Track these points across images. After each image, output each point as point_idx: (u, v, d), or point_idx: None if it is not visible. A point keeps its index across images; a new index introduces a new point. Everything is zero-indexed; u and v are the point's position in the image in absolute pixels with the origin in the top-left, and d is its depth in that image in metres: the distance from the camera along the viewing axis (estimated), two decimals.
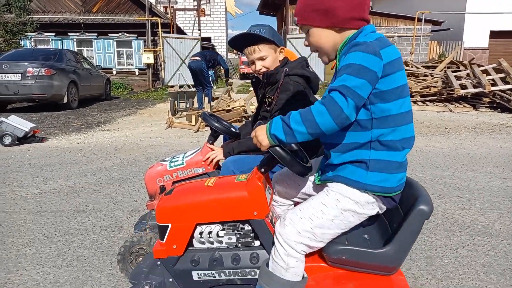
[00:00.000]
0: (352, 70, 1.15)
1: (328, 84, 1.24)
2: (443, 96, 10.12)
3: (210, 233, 1.47)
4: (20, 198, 3.58)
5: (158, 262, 1.51)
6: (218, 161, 2.23)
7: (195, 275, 1.48)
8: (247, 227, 1.46)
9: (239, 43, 2.15)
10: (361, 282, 1.33)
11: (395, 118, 1.23)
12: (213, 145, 2.30)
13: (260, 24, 2.14)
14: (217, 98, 9.03)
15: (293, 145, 1.45)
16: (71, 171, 4.56)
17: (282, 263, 1.28)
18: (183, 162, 2.24)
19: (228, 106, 8.33)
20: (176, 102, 9.61)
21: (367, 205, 1.29)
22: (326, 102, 1.15)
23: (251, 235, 1.46)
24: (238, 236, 1.46)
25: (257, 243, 1.47)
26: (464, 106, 9.67)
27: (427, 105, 9.93)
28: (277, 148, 1.29)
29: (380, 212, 1.35)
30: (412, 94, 10.44)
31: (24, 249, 2.55)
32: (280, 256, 1.28)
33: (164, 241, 1.48)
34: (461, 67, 11.09)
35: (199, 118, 7.89)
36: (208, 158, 2.21)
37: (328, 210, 1.29)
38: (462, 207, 3.26)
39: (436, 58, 14.99)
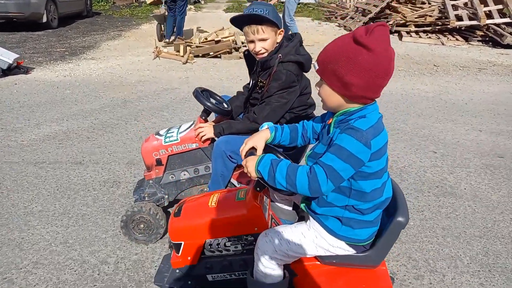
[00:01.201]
0: (342, 155, 1.27)
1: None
2: (437, 27, 9.92)
3: (218, 244, 1.70)
4: (16, 146, 3.70)
5: (177, 271, 1.77)
6: (209, 138, 2.35)
7: (209, 277, 1.76)
8: (250, 237, 1.68)
9: (241, 20, 2.14)
10: (350, 276, 1.58)
11: (368, 194, 1.39)
12: (206, 121, 2.39)
13: (263, 3, 2.12)
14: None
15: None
16: (62, 112, 4.61)
17: (261, 272, 1.52)
18: (177, 138, 2.36)
19: (217, 36, 8.08)
20: (162, 26, 9.23)
21: (339, 249, 1.50)
22: (311, 176, 1.29)
23: (254, 243, 1.67)
24: (243, 245, 1.70)
25: None
26: (457, 39, 9.56)
27: (420, 36, 9.77)
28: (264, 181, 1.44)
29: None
30: (407, 24, 10.19)
31: (31, 206, 2.76)
32: (259, 267, 1.52)
33: (179, 254, 1.74)
34: None
35: (188, 48, 7.72)
36: (199, 135, 2.32)
37: (306, 240, 1.50)
38: (435, 164, 3.53)
39: None
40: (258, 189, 1.60)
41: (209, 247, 1.70)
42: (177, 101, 5.15)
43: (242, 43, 7.92)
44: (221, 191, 1.86)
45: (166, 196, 2.47)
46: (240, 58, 7.67)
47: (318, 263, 1.59)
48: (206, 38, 8.11)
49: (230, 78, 6.35)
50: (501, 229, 2.64)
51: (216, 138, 2.29)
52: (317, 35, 10.28)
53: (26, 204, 2.78)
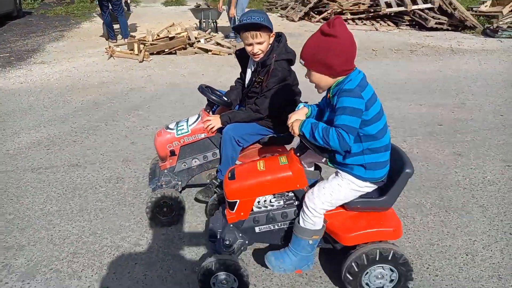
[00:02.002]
0: (347, 112, 1.76)
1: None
2: (370, 14, 10.85)
3: (265, 201, 2.15)
4: (3, 155, 3.75)
5: (231, 226, 2.17)
6: (216, 128, 2.71)
7: (257, 229, 2.19)
8: (291, 193, 2.14)
9: (240, 27, 2.52)
10: (369, 217, 2.08)
11: (375, 135, 1.89)
12: (210, 113, 2.75)
13: (258, 11, 2.51)
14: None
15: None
16: (36, 119, 4.63)
17: (311, 222, 1.99)
18: (188, 130, 2.71)
19: (169, 32, 8.22)
20: None
21: (366, 188, 2.02)
22: (340, 137, 1.76)
23: (293, 198, 2.16)
24: (284, 200, 2.15)
25: (296, 203, 2.15)
26: (388, 25, 10.57)
27: (356, 23, 10.64)
28: (304, 137, 1.93)
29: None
30: (343, 12, 11.02)
31: (46, 207, 2.94)
32: (309, 218, 1.98)
33: (234, 211, 2.14)
34: None
35: (141, 46, 7.79)
36: (208, 126, 2.68)
37: (342, 189, 1.99)
38: (390, 135, 4.18)
39: None
40: (298, 154, 2.06)
41: (257, 203, 2.13)
42: (148, 100, 5.35)
43: (196, 38, 8.15)
44: (264, 159, 2.26)
45: (180, 183, 2.81)
46: (196, 53, 7.93)
47: (344, 210, 2.08)
48: (158, 35, 8.22)
49: (192, 73, 6.61)
50: (449, 180, 3.33)
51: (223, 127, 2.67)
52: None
53: (40, 206, 2.95)
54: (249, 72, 2.76)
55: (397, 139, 4.09)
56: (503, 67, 6.80)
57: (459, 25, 9.99)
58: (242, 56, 2.78)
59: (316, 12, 11.52)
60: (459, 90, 5.64)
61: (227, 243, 2.12)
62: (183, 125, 2.75)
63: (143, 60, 7.40)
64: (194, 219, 2.81)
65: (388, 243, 2.06)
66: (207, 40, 8.34)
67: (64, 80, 6.25)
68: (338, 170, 2.03)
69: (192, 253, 2.49)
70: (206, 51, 7.98)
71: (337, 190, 1.99)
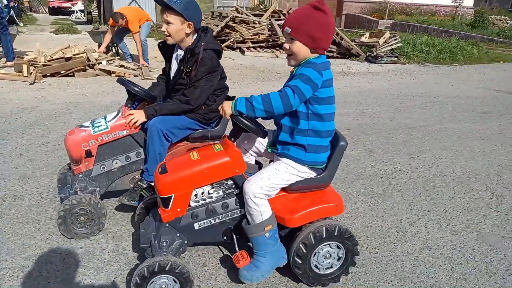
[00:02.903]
0: (303, 79, 1.76)
1: None
2: (270, 43, 11.53)
3: (202, 193, 1.94)
4: None
5: (167, 225, 1.92)
6: (140, 123, 2.46)
7: (196, 225, 1.96)
8: (230, 182, 1.97)
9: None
10: (311, 197, 2.02)
11: (323, 116, 1.88)
12: (131, 109, 2.50)
13: None
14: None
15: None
16: None
17: (256, 211, 1.86)
18: (107, 127, 2.40)
19: (64, 53, 7.56)
20: None
21: (305, 173, 1.97)
22: (282, 94, 1.75)
23: (233, 186, 1.99)
24: (224, 189, 1.98)
25: (236, 191, 1.99)
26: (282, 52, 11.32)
27: (258, 51, 11.18)
28: (238, 116, 1.82)
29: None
30: (245, 41, 11.52)
31: None
32: (253, 208, 1.85)
33: (169, 208, 1.89)
34: (282, 16, 12.67)
35: (32, 68, 6.99)
36: (131, 121, 2.41)
37: (280, 173, 1.92)
38: None
39: (260, 6, 16.44)
40: (232, 139, 1.93)
41: (194, 197, 1.92)
42: (45, 118, 4.73)
43: (96, 60, 7.63)
44: (196, 149, 2.07)
45: (98, 189, 2.45)
46: (97, 75, 7.39)
47: (285, 193, 2.01)
48: (51, 57, 7.49)
49: (95, 94, 6.10)
50: (368, 172, 3.53)
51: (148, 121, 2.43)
52: None
53: None
54: (174, 64, 2.60)
55: None
56: (388, 84, 7.74)
57: (346, 53, 11.19)
58: (165, 48, 2.62)
59: (219, 41, 11.82)
60: (358, 102, 6.20)
61: (164, 244, 1.88)
62: (100, 122, 2.44)
63: (34, 82, 6.61)
64: (118, 229, 2.46)
65: (331, 219, 2.04)
66: (110, 62, 7.87)
67: None
68: (278, 157, 1.99)
69: (120, 264, 2.14)
70: (109, 73, 7.50)
71: (274, 174, 1.92)
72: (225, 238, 2.03)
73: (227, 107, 1.84)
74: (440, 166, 3.75)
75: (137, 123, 2.41)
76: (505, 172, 3.67)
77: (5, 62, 7.60)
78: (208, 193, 1.95)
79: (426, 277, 2.20)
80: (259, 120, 1.93)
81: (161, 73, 2.77)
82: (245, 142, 2.16)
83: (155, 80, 2.77)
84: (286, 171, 1.93)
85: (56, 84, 6.65)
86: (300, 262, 1.95)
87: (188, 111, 2.48)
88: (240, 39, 11.52)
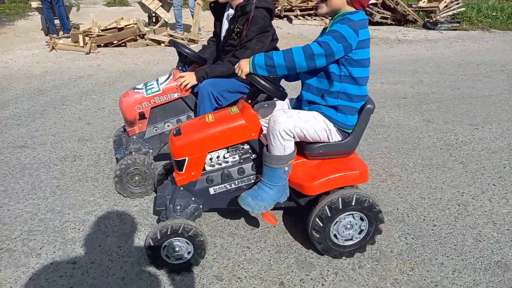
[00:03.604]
0: (336, 36, 1.60)
1: None
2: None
3: (218, 157, 1.87)
4: None
5: (181, 188, 1.87)
6: (190, 86, 2.45)
7: (211, 190, 1.90)
8: (246, 146, 1.89)
9: None
10: (333, 164, 1.90)
11: (356, 79, 1.73)
12: (181, 71, 2.48)
13: None
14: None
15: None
16: None
17: (280, 145, 1.72)
18: (159, 89, 2.41)
19: (118, 23, 7.74)
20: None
21: (334, 135, 1.83)
22: (305, 48, 1.60)
23: (250, 151, 1.91)
24: (240, 154, 1.90)
25: (253, 156, 1.91)
26: None
27: (306, 19, 10.79)
28: (254, 76, 1.69)
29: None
30: (293, 9, 11.15)
31: None
32: (277, 140, 1.71)
33: (183, 171, 1.85)
34: None
35: (87, 38, 7.25)
36: (181, 84, 2.40)
37: (316, 123, 1.79)
38: None
39: None
40: (249, 101, 1.83)
41: (209, 161, 1.86)
42: (101, 85, 4.90)
43: (147, 30, 7.74)
44: (214, 112, 2.00)
45: (151, 151, 2.49)
46: (147, 45, 7.52)
47: (305, 160, 1.90)
48: (105, 27, 7.70)
49: (146, 62, 6.23)
50: (425, 142, 3.32)
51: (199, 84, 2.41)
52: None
53: None
54: (225, 24, 2.54)
55: None
56: (449, 52, 7.17)
57: (401, 20, 10.49)
58: (216, 7, 2.55)
59: None
60: (414, 71, 5.81)
61: (178, 208, 1.83)
62: (153, 84, 2.45)
63: (89, 52, 6.86)
64: None
65: (352, 188, 1.89)
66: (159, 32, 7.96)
67: (0, 70, 5.58)
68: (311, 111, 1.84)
69: None
70: (158, 43, 7.60)
71: (312, 120, 1.78)
72: None
73: (244, 65, 1.70)
74: (508, 138, 3.44)
75: (188, 86, 2.40)
76: None
77: (63, 34, 7.93)
78: (224, 157, 1.88)
79: (490, 253, 2.04)
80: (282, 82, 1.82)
81: (212, 35, 2.72)
82: (265, 105, 2.03)
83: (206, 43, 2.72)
84: (321, 124, 1.80)
85: (109, 54, 6.86)
86: (321, 225, 1.83)
87: None
88: (287, 7, 11.17)
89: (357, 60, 1.69)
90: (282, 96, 1.82)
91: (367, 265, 1.93)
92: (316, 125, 1.79)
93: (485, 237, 2.16)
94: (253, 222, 2.20)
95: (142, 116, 2.42)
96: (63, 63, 6.09)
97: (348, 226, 1.88)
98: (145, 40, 7.58)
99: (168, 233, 1.71)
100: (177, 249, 1.77)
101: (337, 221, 1.86)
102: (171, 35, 7.96)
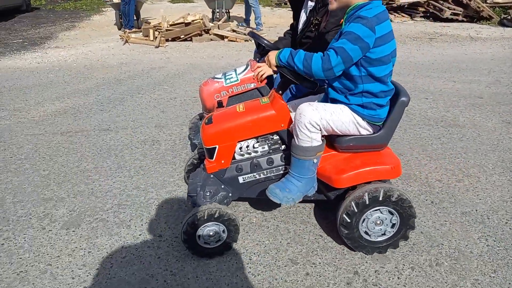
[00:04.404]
0: (350, 38, 1.55)
1: None
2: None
3: (247, 146, 1.91)
4: (28, 121, 3.56)
5: (211, 176, 1.92)
6: (266, 77, 2.52)
7: (240, 179, 1.94)
8: (276, 137, 1.91)
9: None
10: (363, 158, 1.86)
11: (378, 78, 1.68)
12: (259, 62, 2.56)
13: None
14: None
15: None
16: (58, 92, 4.45)
17: (307, 136, 1.72)
18: (237, 79, 2.51)
19: (185, 19, 8.07)
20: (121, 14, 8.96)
21: (363, 128, 1.79)
22: (324, 58, 1.58)
23: (279, 142, 1.92)
24: (269, 144, 1.92)
25: (283, 147, 1.93)
26: (402, 16, 10.44)
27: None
28: (283, 68, 1.72)
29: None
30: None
31: (82, 165, 2.74)
32: (304, 133, 1.70)
33: (213, 159, 1.90)
34: None
35: (157, 32, 7.64)
36: (258, 74, 2.48)
37: (343, 115, 1.76)
38: (431, 106, 4.01)
39: None
40: (280, 92, 1.84)
41: (239, 150, 1.89)
42: (171, 77, 5.17)
43: (211, 26, 8.00)
44: (245, 102, 2.02)
45: None
46: (211, 40, 7.77)
47: (335, 152, 1.87)
48: (173, 22, 8.06)
49: (211, 56, 6.45)
50: (505, 144, 3.13)
51: (274, 75, 2.48)
52: (275, 19, 10.61)
53: (76, 164, 2.76)
54: (303, 17, 2.57)
55: (438, 109, 3.91)
56: None
57: (474, 16, 9.86)
58: (295, 0, 2.60)
59: None
60: (490, 70, 5.47)
61: (208, 194, 1.87)
62: (231, 74, 2.55)
63: (159, 46, 7.23)
64: None
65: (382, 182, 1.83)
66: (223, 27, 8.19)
67: (82, 61, 6.08)
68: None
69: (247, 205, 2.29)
70: (222, 37, 7.82)
71: (338, 112, 1.75)
72: None
73: (271, 57, 1.73)
74: None
75: (264, 76, 2.46)
76: None
77: (129, 29, 8.37)
78: (253, 147, 1.90)
79: None
80: None
81: (289, 28, 2.77)
82: (295, 103, 2.01)
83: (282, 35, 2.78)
84: (348, 116, 1.77)
85: (176, 48, 7.19)
86: (348, 221, 1.79)
87: None
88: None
89: (376, 59, 1.64)
90: (312, 85, 1.81)
91: (445, 263, 1.89)
92: (343, 117, 1.77)
93: None
94: (324, 212, 2.23)
95: (220, 104, 2.53)
96: (135, 56, 6.49)
97: (378, 222, 1.84)
98: (210, 35, 7.83)
99: (205, 218, 1.76)
100: (211, 234, 1.81)
101: (364, 218, 1.82)
102: (234, 30, 8.16)
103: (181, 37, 7.71)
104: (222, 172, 1.92)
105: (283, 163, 1.92)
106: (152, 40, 7.44)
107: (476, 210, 2.29)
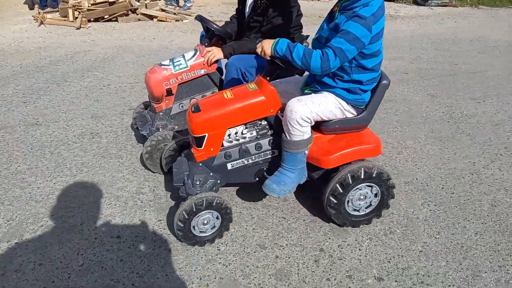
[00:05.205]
0: (349, 38, 1.62)
1: None
2: None
3: (236, 133, 1.91)
4: None
5: (200, 164, 1.89)
6: (216, 61, 2.45)
7: (229, 165, 1.94)
8: (264, 122, 1.93)
9: None
10: (347, 138, 1.96)
11: (369, 69, 1.78)
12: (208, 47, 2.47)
13: None
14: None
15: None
16: None
17: (299, 131, 1.78)
18: (187, 65, 2.40)
19: None
20: None
21: (348, 112, 1.89)
22: (323, 57, 1.63)
23: (267, 127, 1.95)
24: (257, 130, 1.93)
25: (270, 131, 1.95)
26: None
27: None
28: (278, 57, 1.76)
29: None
30: None
31: (12, 167, 2.45)
32: (296, 128, 1.77)
33: (202, 148, 1.87)
34: None
35: (77, 12, 6.99)
36: (208, 58, 2.40)
37: (329, 104, 1.84)
38: None
39: None
40: (268, 78, 1.86)
41: (227, 137, 1.89)
42: (100, 61, 4.79)
43: (138, 5, 7.52)
44: (230, 88, 2.00)
45: (176, 127, 2.51)
46: (139, 20, 7.32)
47: (321, 135, 1.95)
48: (95, 1, 7.43)
49: (141, 38, 6.08)
50: (433, 116, 3.43)
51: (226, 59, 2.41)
52: None
53: (4, 166, 2.46)
54: (249, 0, 2.52)
55: None
56: (441, 28, 7.28)
57: None
58: None
59: None
60: (411, 47, 5.90)
61: (198, 183, 1.86)
62: (180, 61, 2.43)
63: (80, 27, 6.64)
64: None
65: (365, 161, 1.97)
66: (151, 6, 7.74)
67: None
68: (321, 91, 1.89)
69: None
70: (151, 17, 7.40)
71: (324, 102, 1.83)
72: (257, 179, 2.00)
73: (267, 47, 1.75)
74: (508, 111, 3.59)
75: (214, 59, 2.39)
76: None
77: (43, 9, 7.57)
78: (242, 133, 1.91)
79: (506, 216, 2.19)
80: None
81: (234, 13, 2.70)
82: (280, 83, 2.07)
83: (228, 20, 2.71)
84: (334, 103, 1.86)
85: (101, 29, 6.66)
86: (335, 202, 1.91)
87: None
88: None
89: (369, 54, 1.73)
90: (302, 73, 1.86)
91: (397, 230, 2.05)
92: (329, 105, 1.85)
93: (500, 202, 2.31)
94: None
95: (169, 92, 2.41)
96: (55, 38, 5.90)
97: (362, 197, 1.96)
98: (137, 15, 7.37)
99: (203, 206, 1.76)
100: (205, 222, 1.82)
101: (349, 197, 1.93)
102: (163, 10, 7.76)
103: (105, 17, 7.14)
104: (210, 160, 1.90)
105: (271, 147, 1.96)
106: (72, 21, 6.80)
107: (417, 179, 2.50)
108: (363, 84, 1.83)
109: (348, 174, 1.86)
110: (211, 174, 1.91)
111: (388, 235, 2.01)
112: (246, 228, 1.99)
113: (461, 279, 1.76)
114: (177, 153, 2.24)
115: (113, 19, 7.21)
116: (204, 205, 1.77)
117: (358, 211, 1.99)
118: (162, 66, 2.42)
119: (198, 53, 2.45)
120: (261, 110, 1.87)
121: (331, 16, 1.85)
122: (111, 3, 7.16)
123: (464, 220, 2.15)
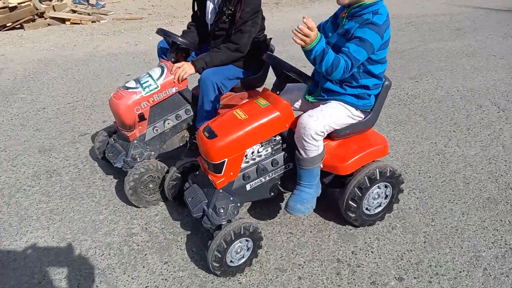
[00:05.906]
0: (365, 46, 1.65)
1: None
2: None
3: (252, 152, 1.85)
4: None
5: (221, 191, 1.81)
6: (188, 76, 2.28)
7: (248, 186, 1.89)
8: (278, 137, 1.90)
9: None
10: (357, 140, 2.01)
11: (375, 75, 1.83)
12: (174, 62, 2.29)
13: None
14: None
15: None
16: None
17: (314, 146, 1.80)
18: (157, 85, 2.20)
19: (7, 2, 6.54)
20: None
21: (357, 116, 1.94)
22: (346, 69, 1.64)
23: (280, 141, 1.92)
24: (272, 146, 1.90)
25: (284, 145, 1.93)
26: None
27: None
28: (281, 62, 1.76)
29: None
30: None
31: None
32: (311, 144, 1.78)
33: (222, 174, 1.78)
34: None
35: None
36: (179, 75, 2.23)
37: (340, 114, 1.87)
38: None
39: None
40: (277, 92, 1.84)
41: (244, 158, 1.83)
42: (21, 80, 4.22)
43: (44, 7, 6.71)
44: (239, 106, 1.92)
45: (152, 153, 2.31)
46: (49, 25, 6.56)
47: (329, 141, 1.97)
48: None
49: (60, 46, 5.47)
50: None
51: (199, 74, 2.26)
52: None
53: None
54: (210, 7, 2.36)
55: None
56: None
57: None
58: None
59: None
60: None
61: (222, 211, 1.78)
62: (148, 81, 2.21)
63: None
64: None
65: (378, 161, 2.03)
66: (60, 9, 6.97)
67: None
68: (330, 101, 1.92)
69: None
70: (63, 21, 6.69)
71: (335, 112, 1.86)
72: (272, 194, 1.99)
73: (314, 36, 1.56)
74: (444, 87, 3.93)
75: (186, 75, 2.24)
76: (500, 86, 3.94)
77: None
78: (258, 152, 1.86)
79: (480, 191, 2.41)
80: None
81: (191, 20, 2.53)
82: (285, 94, 2.03)
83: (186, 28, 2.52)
84: (343, 111, 1.89)
85: (6, 40, 5.86)
86: (355, 206, 1.96)
87: (238, 59, 2.32)
88: None
89: (376, 60, 1.79)
90: (312, 81, 1.85)
91: (397, 225, 2.14)
92: (339, 115, 1.88)
93: (470, 178, 2.53)
94: (273, 206, 2.24)
95: (141, 117, 2.20)
96: None
97: (376, 196, 2.04)
98: (46, 19, 6.61)
99: (241, 233, 1.72)
100: (238, 250, 1.76)
101: (366, 197, 2.00)
102: (74, 11, 7.04)
103: (8, 25, 6.28)
104: (230, 185, 1.82)
105: (286, 161, 1.94)
106: None
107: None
108: (370, 89, 1.88)
109: (365, 177, 1.92)
110: (231, 198, 1.84)
111: (391, 231, 2.10)
112: (258, 252, 1.93)
113: (467, 263, 1.91)
114: (181, 181, 2.12)
115: (17, 26, 6.38)
116: (242, 232, 1.73)
117: (369, 210, 2.06)
118: (130, 90, 2.19)
119: (166, 70, 2.26)
120: (278, 126, 1.84)
121: (334, 21, 1.86)
122: (12, 9, 6.29)
123: (449, 203, 2.32)
